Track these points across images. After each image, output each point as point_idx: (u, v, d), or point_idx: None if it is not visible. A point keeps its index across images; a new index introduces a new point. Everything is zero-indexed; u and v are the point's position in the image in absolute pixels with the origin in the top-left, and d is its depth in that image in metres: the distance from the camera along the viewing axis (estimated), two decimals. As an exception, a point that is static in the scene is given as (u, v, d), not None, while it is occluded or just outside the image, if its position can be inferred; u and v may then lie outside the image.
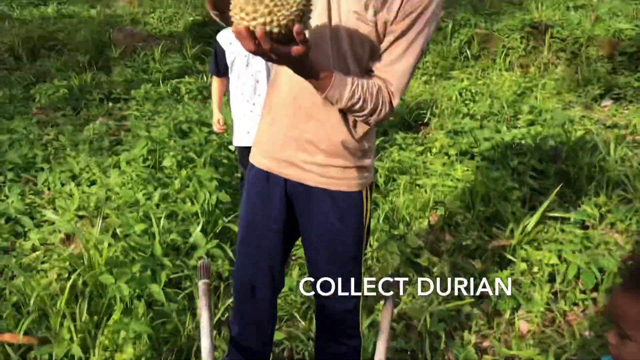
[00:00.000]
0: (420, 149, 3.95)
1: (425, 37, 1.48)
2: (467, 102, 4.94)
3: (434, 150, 3.85)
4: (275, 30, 1.17)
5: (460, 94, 5.03)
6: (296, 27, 1.18)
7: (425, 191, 3.40)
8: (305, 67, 1.36)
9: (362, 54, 1.49)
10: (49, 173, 3.53)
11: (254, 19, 1.14)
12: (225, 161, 3.76)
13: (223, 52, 2.87)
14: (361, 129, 1.58)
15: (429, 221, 3.08)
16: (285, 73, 1.48)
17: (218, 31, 2.98)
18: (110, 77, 5.73)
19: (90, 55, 6.23)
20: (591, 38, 5.74)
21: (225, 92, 3.07)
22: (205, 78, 5.92)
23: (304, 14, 1.20)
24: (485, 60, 5.96)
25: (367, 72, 1.53)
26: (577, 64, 5.57)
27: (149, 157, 3.62)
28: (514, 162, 3.58)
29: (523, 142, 3.81)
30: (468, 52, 5.96)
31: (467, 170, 3.48)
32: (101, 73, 5.89)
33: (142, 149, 3.50)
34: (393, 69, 1.49)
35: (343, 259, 1.65)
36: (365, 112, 1.47)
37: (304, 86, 1.45)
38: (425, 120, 4.53)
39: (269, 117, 1.63)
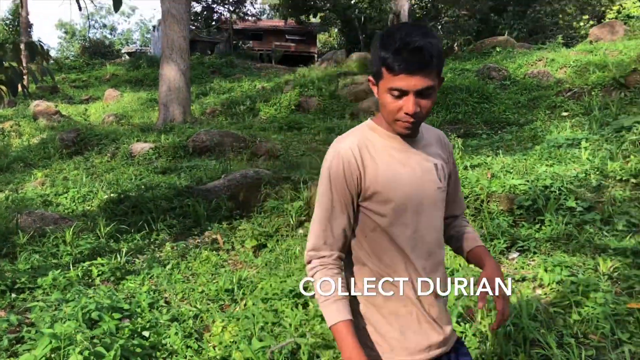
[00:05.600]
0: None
1: None
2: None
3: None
4: None
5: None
6: None
7: None
8: None
9: None
10: None
11: None
12: (138, 350, 3.55)
13: None
14: None
15: None
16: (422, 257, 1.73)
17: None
18: (14, 266, 5.45)
19: (-6, 244, 5.97)
20: (490, 194, 6.17)
21: None
22: (119, 257, 5.74)
23: None
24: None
25: None
26: (482, 219, 5.90)
27: (53, 356, 3.35)
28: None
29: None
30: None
31: None
32: (5, 262, 5.60)
33: (43, 349, 3.25)
34: None
35: None
36: None
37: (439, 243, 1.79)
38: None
39: (413, 313, 1.74)
